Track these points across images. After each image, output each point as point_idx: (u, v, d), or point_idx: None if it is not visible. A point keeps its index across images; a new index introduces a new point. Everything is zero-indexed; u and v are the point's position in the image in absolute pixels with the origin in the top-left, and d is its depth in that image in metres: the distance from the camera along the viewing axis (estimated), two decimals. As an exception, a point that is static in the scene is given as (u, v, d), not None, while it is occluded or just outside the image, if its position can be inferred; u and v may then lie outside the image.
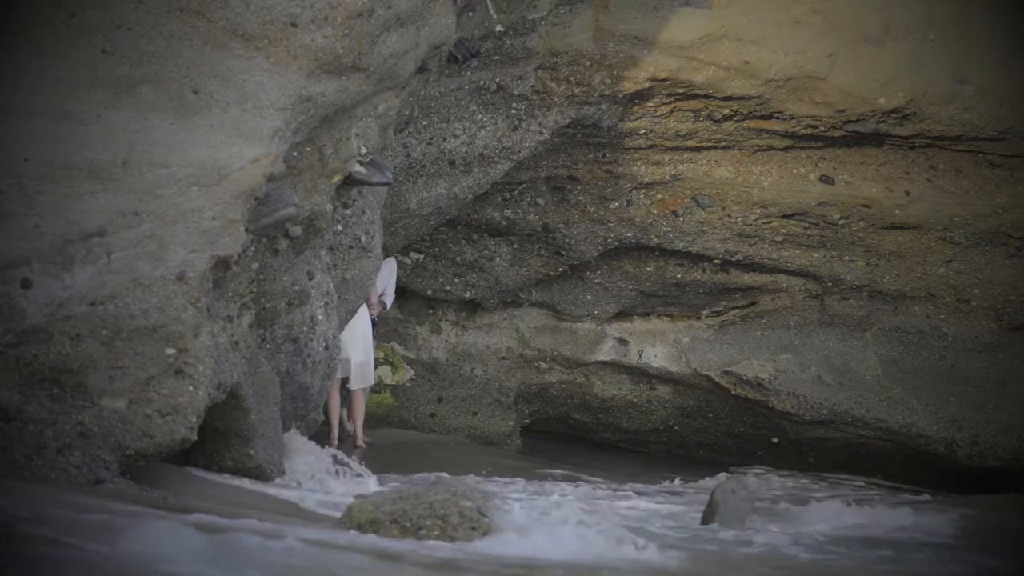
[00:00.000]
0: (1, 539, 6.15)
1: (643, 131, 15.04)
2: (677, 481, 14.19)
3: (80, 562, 6.07)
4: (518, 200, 15.80)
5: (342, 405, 14.72)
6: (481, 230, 16.07)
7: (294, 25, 10.02)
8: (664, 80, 14.48)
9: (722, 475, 13.63)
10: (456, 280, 16.43)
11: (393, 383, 16.08)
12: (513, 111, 14.45)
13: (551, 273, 16.41)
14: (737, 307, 16.91)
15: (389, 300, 15.17)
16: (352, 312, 12.65)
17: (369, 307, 14.68)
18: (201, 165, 9.48)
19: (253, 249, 9.94)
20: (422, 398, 16.49)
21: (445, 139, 14.42)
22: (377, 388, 15.72)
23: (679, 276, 16.55)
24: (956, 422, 16.50)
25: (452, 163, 14.50)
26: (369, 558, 7.30)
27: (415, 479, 12.22)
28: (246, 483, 10.01)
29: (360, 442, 14.56)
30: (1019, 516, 11.73)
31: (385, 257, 14.79)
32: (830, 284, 16.40)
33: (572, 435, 17.63)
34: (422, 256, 16.36)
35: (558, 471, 14.93)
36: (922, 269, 16.13)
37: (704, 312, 16.97)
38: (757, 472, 16.28)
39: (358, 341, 14.33)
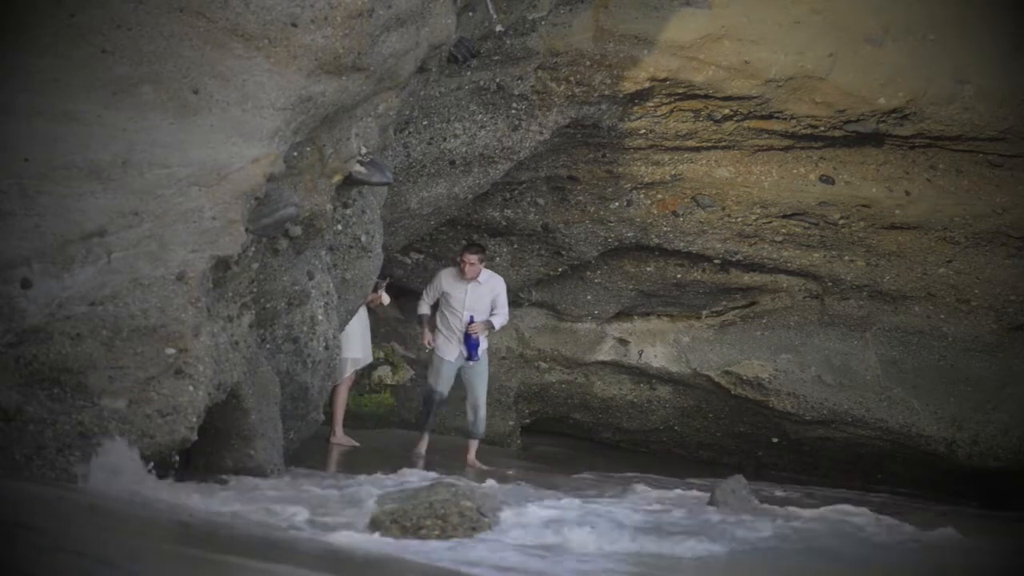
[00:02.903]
0: (1, 539, 6.15)
1: (643, 131, 15.04)
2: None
3: (78, 563, 6.08)
4: (518, 200, 15.80)
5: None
6: (481, 230, 16.08)
7: (294, 25, 10.02)
8: (664, 80, 14.47)
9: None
10: (456, 280, 16.43)
11: (393, 383, 16.08)
12: (513, 111, 14.45)
13: (551, 273, 16.41)
14: (737, 307, 16.91)
15: (500, 322, 14.64)
16: (352, 312, 12.65)
17: (373, 303, 14.77)
18: (201, 165, 9.48)
19: (253, 249, 9.94)
20: (422, 398, 16.48)
21: (445, 139, 14.42)
22: (377, 388, 15.72)
23: (679, 276, 16.55)
24: (956, 422, 16.51)
25: (452, 163, 14.50)
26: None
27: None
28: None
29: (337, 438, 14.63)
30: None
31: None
32: (830, 284, 16.41)
33: (572, 435, 17.64)
34: (422, 256, 16.35)
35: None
36: (922, 269, 16.13)
37: (704, 312, 16.98)
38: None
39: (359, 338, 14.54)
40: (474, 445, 14.63)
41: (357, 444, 14.58)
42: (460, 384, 14.65)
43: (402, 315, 16.66)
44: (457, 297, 14.46)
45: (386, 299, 14.92)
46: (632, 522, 9.66)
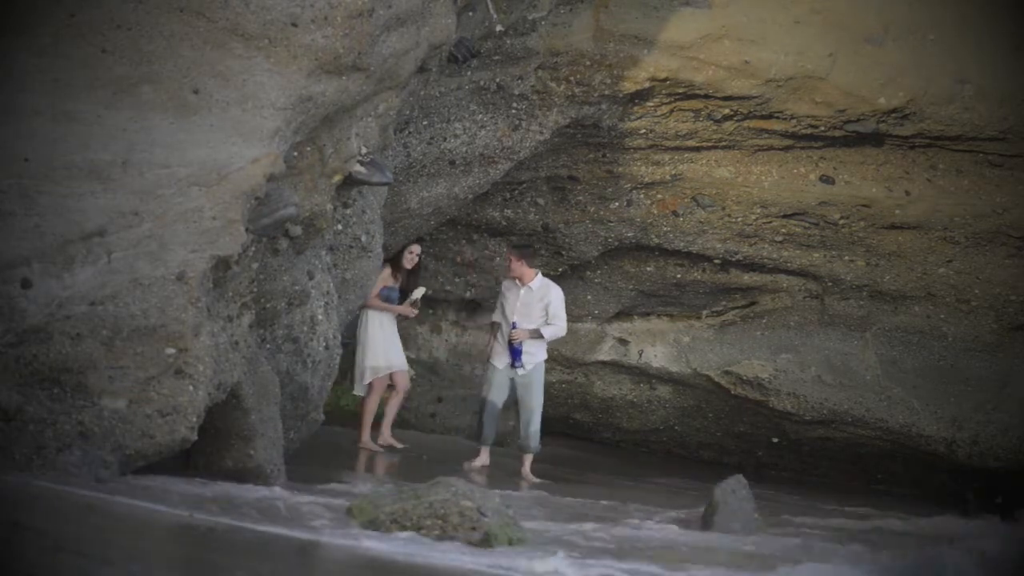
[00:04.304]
0: (1, 539, 6.15)
1: (643, 131, 15.03)
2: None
3: (78, 563, 6.07)
4: (518, 200, 15.80)
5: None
6: (481, 230, 16.07)
7: (294, 25, 10.01)
8: (664, 80, 14.47)
9: None
10: (456, 280, 16.43)
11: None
12: (513, 111, 14.45)
13: (551, 273, 16.40)
14: (737, 307, 16.91)
15: (551, 332, 14.20)
16: (352, 312, 12.65)
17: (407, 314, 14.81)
18: (201, 165, 9.48)
19: (253, 249, 9.94)
20: (422, 398, 16.49)
21: (445, 139, 14.42)
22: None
23: (679, 276, 16.55)
24: (956, 422, 16.51)
25: (452, 163, 14.50)
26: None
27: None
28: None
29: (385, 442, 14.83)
30: None
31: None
32: (830, 284, 16.40)
33: (572, 435, 17.64)
34: (422, 256, 16.34)
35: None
36: (922, 269, 16.13)
37: (704, 312, 16.98)
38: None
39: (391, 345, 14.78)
40: (528, 459, 14.34)
41: (380, 449, 14.62)
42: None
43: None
44: (509, 302, 14.28)
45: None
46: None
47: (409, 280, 14.88)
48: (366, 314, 14.63)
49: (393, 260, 14.75)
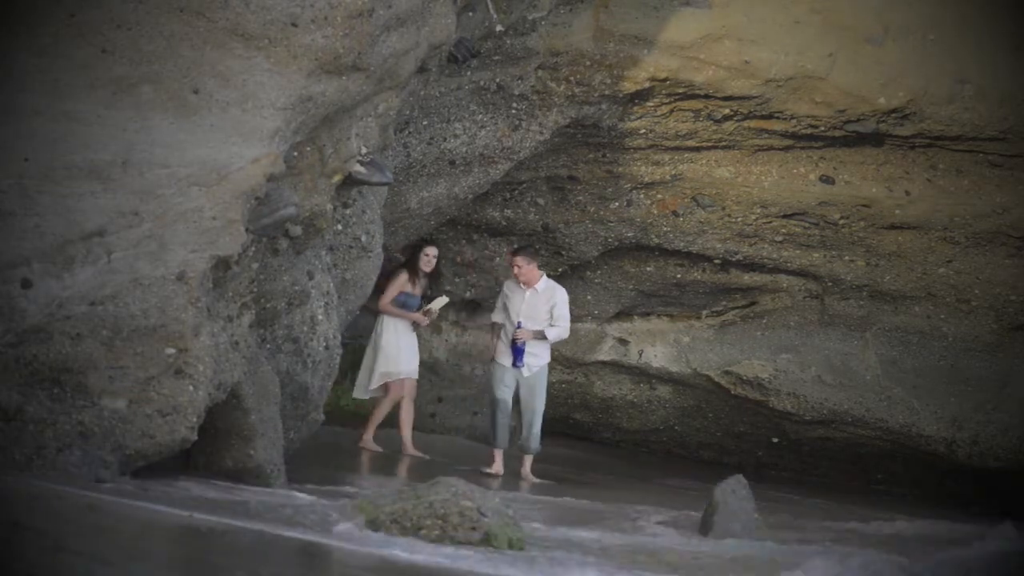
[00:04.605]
0: (1, 539, 6.16)
1: (643, 131, 15.03)
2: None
3: (78, 563, 6.07)
4: (518, 200, 15.80)
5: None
6: (481, 230, 16.07)
7: (294, 25, 10.01)
8: (664, 80, 14.47)
9: None
10: (456, 280, 16.43)
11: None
12: (513, 111, 14.44)
13: (551, 273, 16.40)
14: (737, 307, 16.91)
15: (555, 333, 14.20)
16: (352, 312, 12.64)
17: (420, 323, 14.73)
18: (201, 165, 9.48)
19: (253, 249, 9.94)
20: (422, 398, 16.47)
21: (445, 139, 14.41)
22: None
23: (679, 276, 16.55)
24: (956, 422, 16.50)
25: (452, 163, 14.49)
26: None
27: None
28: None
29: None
30: None
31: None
32: (830, 284, 16.40)
33: (572, 435, 17.63)
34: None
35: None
36: (922, 269, 16.13)
37: (704, 312, 16.98)
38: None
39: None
40: (528, 460, 14.32)
41: (380, 449, 14.59)
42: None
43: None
44: (514, 303, 14.23)
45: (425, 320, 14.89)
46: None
47: (431, 284, 14.83)
48: (382, 320, 14.61)
49: (409, 264, 14.68)
